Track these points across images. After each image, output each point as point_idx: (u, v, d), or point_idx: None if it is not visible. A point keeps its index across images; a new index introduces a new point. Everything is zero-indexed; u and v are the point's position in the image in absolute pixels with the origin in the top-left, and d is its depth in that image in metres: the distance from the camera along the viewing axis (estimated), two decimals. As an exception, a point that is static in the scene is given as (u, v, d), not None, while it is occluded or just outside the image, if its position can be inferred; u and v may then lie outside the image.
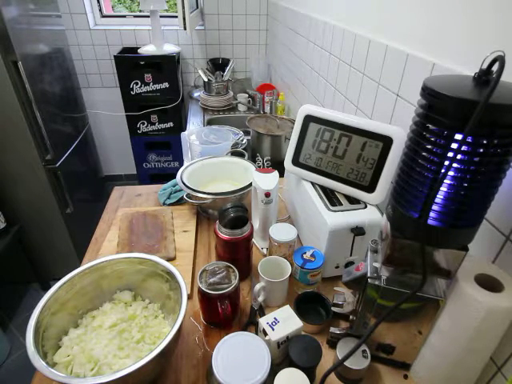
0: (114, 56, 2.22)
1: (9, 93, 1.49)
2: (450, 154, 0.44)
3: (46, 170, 1.71)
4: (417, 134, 0.47)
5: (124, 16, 2.56)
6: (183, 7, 1.84)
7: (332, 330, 0.72)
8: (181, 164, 2.50)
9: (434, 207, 0.48)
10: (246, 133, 1.54)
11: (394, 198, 0.53)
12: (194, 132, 1.40)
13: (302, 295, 0.78)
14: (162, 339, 0.56)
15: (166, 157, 2.59)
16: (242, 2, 2.46)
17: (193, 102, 2.39)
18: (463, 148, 0.43)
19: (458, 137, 0.43)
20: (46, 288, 2.00)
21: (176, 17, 2.39)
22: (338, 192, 0.88)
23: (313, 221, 0.86)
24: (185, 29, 1.91)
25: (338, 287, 0.77)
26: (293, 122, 1.58)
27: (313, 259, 0.79)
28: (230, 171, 1.18)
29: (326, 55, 1.35)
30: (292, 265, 0.81)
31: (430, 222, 0.48)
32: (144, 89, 2.30)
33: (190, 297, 0.83)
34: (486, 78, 0.42)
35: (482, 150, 0.43)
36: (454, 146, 0.43)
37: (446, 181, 0.45)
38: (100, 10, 2.48)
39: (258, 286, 0.78)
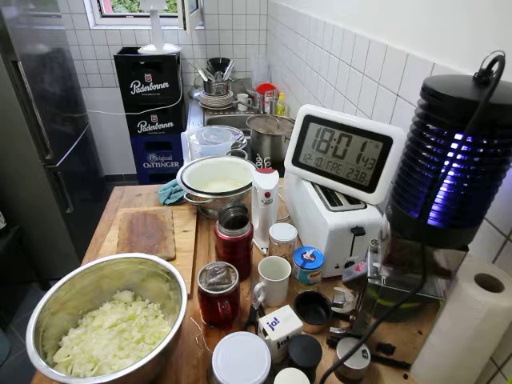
0: (114, 56, 2.22)
1: (9, 93, 1.49)
2: (450, 154, 0.44)
3: (46, 170, 1.71)
4: (417, 134, 0.47)
5: (124, 16, 2.56)
6: (183, 7, 1.84)
7: (332, 330, 0.72)
8: (181, 164, 2.50)
9: (434, 207, 0.48)
10: (246, 133, 1.54)
11: (393, 198, 0.53)
12: (194, 132, 1.40)
13: (302, 295, 0.78)
14: (162, 339, 0.56)
15: (165, 157, 2.59)
16: (242, 2, 2.46)
17: (193, 102, 2.39)
18: (463, 148, 0.43)
19: (458, 137, 0.43)
20: (46, 288, 2.00)
21: (176, 17, 2.39)
22: (338, 192, 0.88)
23: (313, 221, 0.86)
24: (185, 29, 1.91)
25: (338, 287, 0.77)
26: (293, 121, 1.58)
27: (313, 259, 0.80)
28: (229, 171, 1.18)
29: (326, 55, 1.35)
30: (292, 265, 0.81)
31: (430, 221, 0.48)
32: (144, 89, 2.30)
33: (190, 297, 0.83)
34: (486, 78, 0.42)
35: (481, 150, 0.43)
36: (454, 146, 0.43)
37: (445, 181, 0.45)
38: (100, 10, 2.48)
39: (257, 286, 0.78)
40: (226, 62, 2.55)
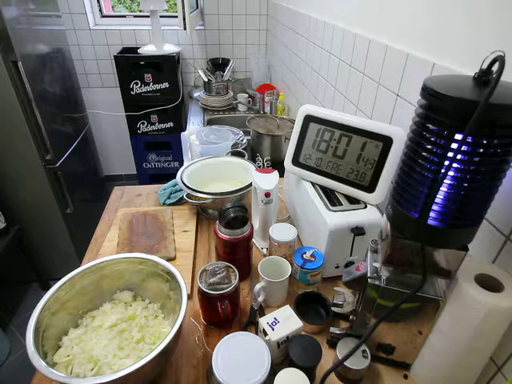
0: (114, 56, 2.22)
1: (9, 93, 1.49)
2: (450, 154, 0.44)
3: (46, 170, 1.71)
4: (417, 134, 0.47)
5: (124, 16, 2.56)
6: (183, 7, 1.84)
7: (332, 330, 0.72)
8: (181, 164, 2.50)
9: (434, 207, 0.48)
10: (246, 133, 1.54)
11: (393, 198, 0.53)
12: (194, 132, 1.40)
13: (302, 295, 0.78)
14: (162, 339, 0.56)
15: (165, 157, 2.59)
16: (242, 2, 2.46)
17: (193, 102, 2.39)
18: (463, 148, 0.43)
19: (458, 137, 0.43)
20: (46, 288, 2.00)
21: (176, 17, 2.39)
22: (338, 192, 0.88)
23: (313, 221, 0.86)
24: (185, 29, 1.91)
25: (338, 287, 0.77)
26: (293, 121, 1.58)
27: (313, 259, 0.80)
28: (229, 171, 1.18)
29: (326, 55, 1.35)
30: (292, 265, 0.81)
31: (430, 221, 0.48)
32: (144, 89, 2.30)
33: (190, 297, 0.83)
34: (486, 78, 0.42)
35: (481, 150, 0.43)
36: (454, 146, 0.43)
37: (445, 181, 0.45)
38: (100, 10, 2.48)
39: (257, 286, 0.78)
40: (226, 62, 2.55)
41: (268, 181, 0.90)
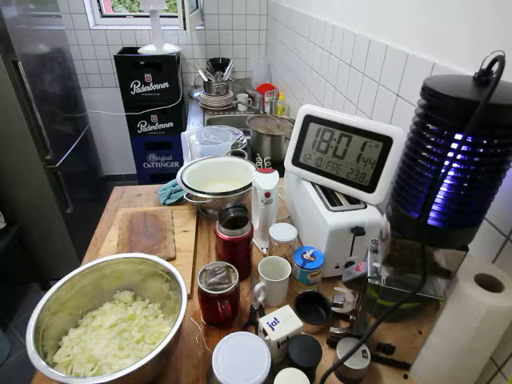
0: (114, 56, 2.22)
1: (9, 93, 1.49)
2: (450, 154, 0.44)
3: (46, 170, 1.71)
4: (417, 134, 0.47)
5: (124, 16, 2.56)
6: (183, 7, 1.84)
7: (332, 330, 0.72)
8: (181, 164, 2.50)
9: (434, 207, 0.48)
10: (246, 133, 1.54)
11: (393, 198, 0.53)
12: (194, 132, 1.40)
13: (302, 295, 0.78)
14: (162, 339, 0.56)
15: (165, 157, 2.59)
16: (242, 2, 2.46)
17: (193, 102, 2.39)
18: (463, 148, 0.43)
19: (458, 137, 0.43)
20: (46, 288, 2.00)
21: (176, 17, 2.39)
22: (338, 192, 0.88)
23: (313, 221, 0.86)
24: (185, 29, 1.91)
25: (338, 287, 0.77)
26: (293, 122, 1.58)
27: (313, 259, 0.79)
28: (229, 171, 1.18)
29: (326, 55, 1.35)
30: (292, 265, 0.81)
31: (430, 221, 0.48)
32: (144, 89, 2.30)
33: (190, 297, 0.83)
34: (486, 78, 0.42)
35: (481, 150, 0.43)
36: (454, 146, 0.43)
37: (445, 181, 0.45)
38: (100, 10, 2.48)
39: (257, 286, 0.78)
40: (226, 62, 2.55)
41: (268, 181, 0.90)
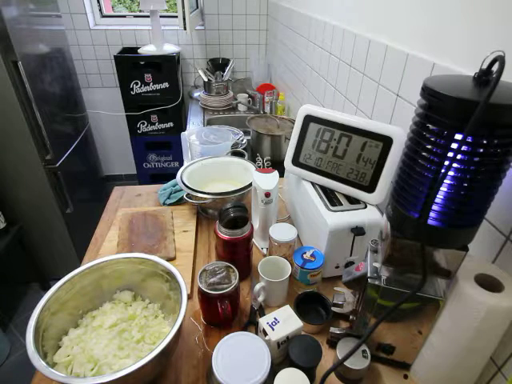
0: (114, 56, 2.22)
1: (9, 93, 1.49)
2: (450, 154, 0.44)
3: (46, 170, 1.71)
4: (417, 134, 0.47)
5: (124, 16, 2.56)
6: (183, 7, 1.84)
7: (332, 330, 0.72)
8: (181, 164, 2.50)
9: (434, 207, 0.48)
10: (246, 133, 1.54)
11: (393, 198, 0.53)
12: (194, 132, 1.40)
13: (302, 295, 0.78)
14: (162, 339, 0.56)
15: (165, 157, 2.59)
16: (242, 2, 2.46)
17: (193, 102, 2.39)
18: (463, 148, 0.43)
19: (458, 137, 0.43)
20: (46, 288, 2.00)
21: (176, 17, 2.39)
22: (338, 192, 0.88)
23: (313, 221, 0.86)
24: (185, 29, 1.91)
25: (338, 287, 0.77)
26: (293, 122, 1.58)
27: (313, 259, 0.79)
28: (229, 171, 1.18)
29: (326, 55, 1.35)
30: (292, 265, 0.81)
31: (430, 221, 0.48)
32: (144, 89, 2.30)
33: (190, 297, 0.83)
34: (486, 78, 0.42)
35: (481, 150, 0.43)
36: (454, 146, 0.43)
37: (445, 181, 0.45)
38: (100, 10, 2.48)
39: (257, 286, 0.78)
40: (226, 62, 2.55)
41: (268, 181, 0.90)
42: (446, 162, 0.44)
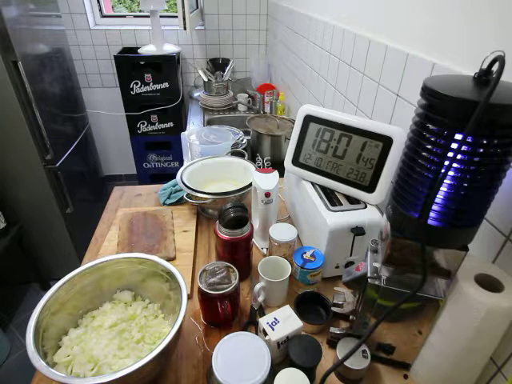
0: (114, 56, 2.22)
1: (9, 93, 1.49)
2: (450, 154, 0.44)
3: (46, 170, 1.71)
4: (417, 134, 0.47)
5: (124, 16, 2.56)
6: (183, 7, 1.84)
7: (332, 330, 0.72)
8: (181, 164, 2.50)
9: (434, 207, 0.48)
10: (246, 133, 1.54)
11: (393, 198, 0.53)
12: (194, 132, 1.40)
13: (301, 295, 0.78)
14: (162, 339, 0.56)
15: (165, 157, 2.59)
16: (242, 2, 2.46)
17: (193, 102, 2.39)
18: (463, 148, 0.43)
19: (458, 137, 0.43)
20: (46, 288, 2.00)
21: (176, 17, 2.39)
22: (338, 192, 0.88)
23: (313, 221, 0.86)
24: (185, 29, 1.91)
25: (338, 287, 0.77)
26: (293, 121, 1.58)
27: (313, 259, 0.79)
28: (229, 171, 1.18)
29: (326, 55, 1.35)
30: (292, 265, 0.81)
31: (430, 221, 0.48)
32: (144, 89, 2.30)
33: (190, 297, 0.83)
34: (486, 78, 0.42)
35: (481, 150, 0.43)
36: (454, 145, 0.43)
37: (446, 181, 0.45)
38: (100, 9, 2.48)
39: (258, 286, 0.78)
40: (226, 62, 2.55)
41: (268, 181, 0.90)
42: (446, 162, 0.44)
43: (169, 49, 2.33)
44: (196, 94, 2.44)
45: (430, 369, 0.63)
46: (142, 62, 2.24)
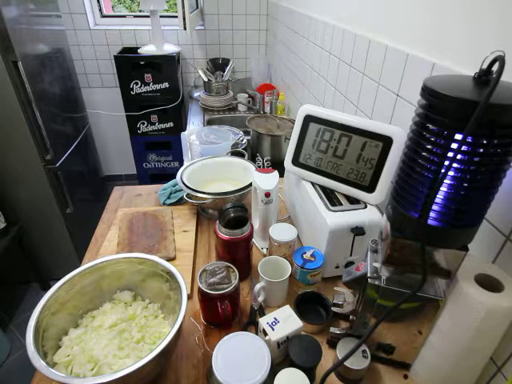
0: (114, 56, 2.22)
1: (9, 93, 1.49)
2: (450, 154, 0.44)
3: (46, 170, 1.71)
4: (417, 134, 0.47)
5: (124, 16, 2.56)
6: (183, 7, 1.84)
7: (332, 330, 0.72)
8: (181, 164, 2.50)
9: (434, 207, 0.48)
10: (246, 133, 1.54)
11: (393, 198, 0.53)
12: (194, 132, 1.40)
13: (301, 295, 0.78)
14: (162, 339, 0.56)
15: (165, 157, 2.59)
16: (242, 2, 2.46)
17: (193, 102, 2.39)
18: (463, 148, 0.43)
19: (458, 137, 0.43)
20: (46, 288, 2.00)
21: (176, 17, 2.39)
22: (338, 192, 0.88)
23: (313, 221, 0.86)
24: (185, 29, 1.91)
25: (338, 287, 0.77)
26: (293, 121, 1.58)
27: (313, 259, 0.79)
28: (230, 171, 1.18)
29: (326, 55, 1.35)
30: (292, 265, 0.81)
31: (430, 221, 0.48)
32: (144, 89, 2.30)
33: (190, 297, 0.83)
34: (486, 78, 0.42)
35: (481, 150, 0.43)
36: (454, 145, 0.43)
37: (446, 181, 0.45)
38: (100, 9, 2.48)
39: (258, 286, 0.78)
40: (226, 62, 2.55)
41: (268, 181, 0.90)
42: (446, 162, 0.44)
43: (169, 49, 2.33)
44: (196, 94, 2.44)
45: (430, 369, 0.63)
46: (142, 62, 2.24)
